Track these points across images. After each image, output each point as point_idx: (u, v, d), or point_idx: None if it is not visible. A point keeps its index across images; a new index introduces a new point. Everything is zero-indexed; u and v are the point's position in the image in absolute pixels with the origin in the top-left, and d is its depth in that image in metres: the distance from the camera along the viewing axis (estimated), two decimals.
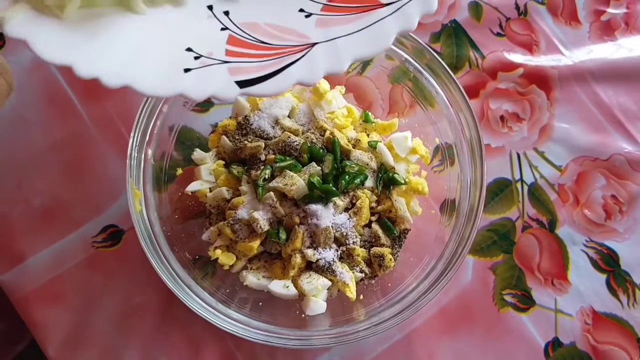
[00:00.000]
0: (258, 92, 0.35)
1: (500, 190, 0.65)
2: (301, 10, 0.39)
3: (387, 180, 0.58)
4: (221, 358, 0.58)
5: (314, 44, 0.37)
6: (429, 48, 0.57)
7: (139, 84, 0.34)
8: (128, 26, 0.36)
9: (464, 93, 0.57)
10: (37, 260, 0.59)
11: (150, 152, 0.55)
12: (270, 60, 0.37)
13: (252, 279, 0.56)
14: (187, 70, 0.35)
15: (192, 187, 0.57)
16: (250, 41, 0.38)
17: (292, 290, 0.54)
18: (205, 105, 0.64)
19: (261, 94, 0.36)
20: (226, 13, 0.39)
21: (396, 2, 0.38)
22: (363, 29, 0.37)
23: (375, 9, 0.38)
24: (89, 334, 0.58)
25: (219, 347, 0.58)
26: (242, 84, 0.35)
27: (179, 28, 0.38)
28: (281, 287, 0.54)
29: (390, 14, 0.37)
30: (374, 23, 0.37)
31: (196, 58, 0.36)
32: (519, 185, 0.65)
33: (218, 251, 0.55)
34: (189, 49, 0.36)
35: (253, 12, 0.39)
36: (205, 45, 0.37)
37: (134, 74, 0.34)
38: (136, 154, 0.53)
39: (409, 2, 0.37)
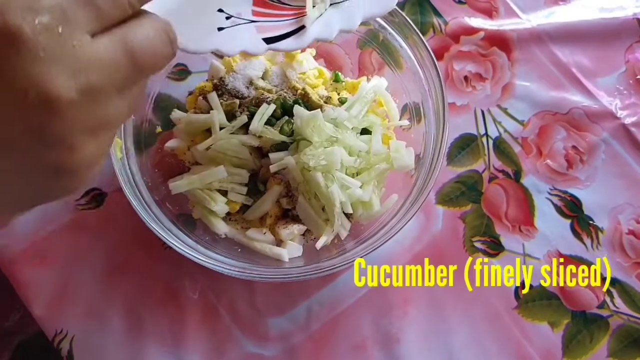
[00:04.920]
0: (283, 48, 0.41)
1: (466, 145, 0.68)
2: None
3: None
4: (202, 310, 0.59)
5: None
6: (399, 11, 0.60)
7: (182, 42, 0.37)
8: None
9: (432, 53, 0.60)
10: (22, 222, 0.61)
11: None
12: (291, 20, 0.42)
13: (232, 230, 0.58)
14: (220, 29, 0.40)
15: (171, 143, 0.60)
16: (272, 2, 0.43)
17: (269, 236, 0.56)
18: (183, 74, 0.67)
19: (285, 49, 0.42)
20: None
21: None
22: None
23: None
24: (73, 292, 0.59)
25: (201, 301, 0.60)
26: (268, 40, 0.41)
27: None
28: (259, 234, 0.57)
29: None
30: None
31: (227, 18, 0.41)
32: (484, 139, 0.68)
33: None
34: (220, 10, 0.41)
35: None
36: (234, 7, 0.42)
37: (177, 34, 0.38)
38: None
39: None
